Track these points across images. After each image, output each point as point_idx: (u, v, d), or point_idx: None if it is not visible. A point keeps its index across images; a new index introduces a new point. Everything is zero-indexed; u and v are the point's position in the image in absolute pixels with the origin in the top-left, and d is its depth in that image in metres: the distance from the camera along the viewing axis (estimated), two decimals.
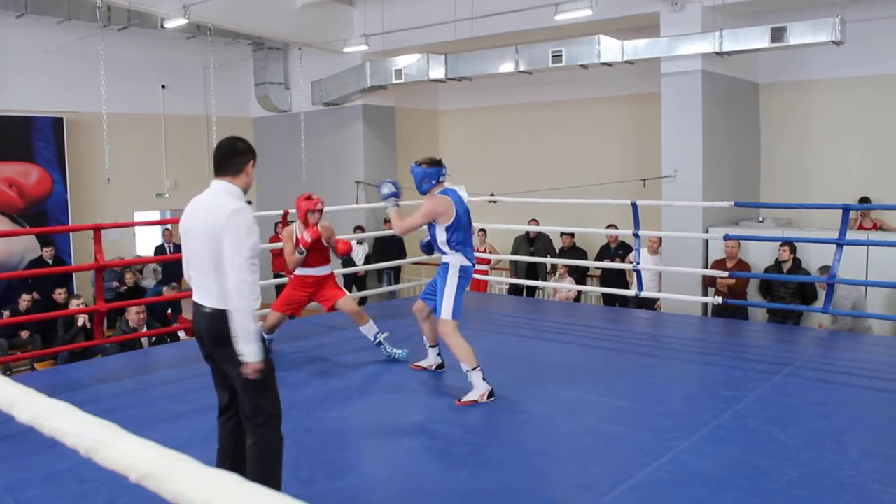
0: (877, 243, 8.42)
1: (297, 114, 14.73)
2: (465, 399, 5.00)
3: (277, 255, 12.87)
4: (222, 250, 3.14)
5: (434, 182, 5.29)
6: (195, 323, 3.38)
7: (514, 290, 11.74)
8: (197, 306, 3.35)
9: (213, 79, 13.89)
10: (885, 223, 10.40)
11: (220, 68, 14.38)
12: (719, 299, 7.77)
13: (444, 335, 5.16)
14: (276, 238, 12.66)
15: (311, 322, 8.00)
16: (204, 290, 3.30)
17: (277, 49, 15.11)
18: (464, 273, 5.25)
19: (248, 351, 3.14)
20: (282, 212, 8.01)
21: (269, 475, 3.22)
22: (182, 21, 11.19)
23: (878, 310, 8.77)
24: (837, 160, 11.03)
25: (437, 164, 5.31)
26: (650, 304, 9.59)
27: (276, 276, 12.07)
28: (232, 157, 3.35)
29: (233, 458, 3.40)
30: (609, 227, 10.31)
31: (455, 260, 5.25)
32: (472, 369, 5.06)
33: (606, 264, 10.04)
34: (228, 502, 1.21)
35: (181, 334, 8.55)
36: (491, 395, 5.03)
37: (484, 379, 5.05)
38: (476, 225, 9.29)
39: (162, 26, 12.15)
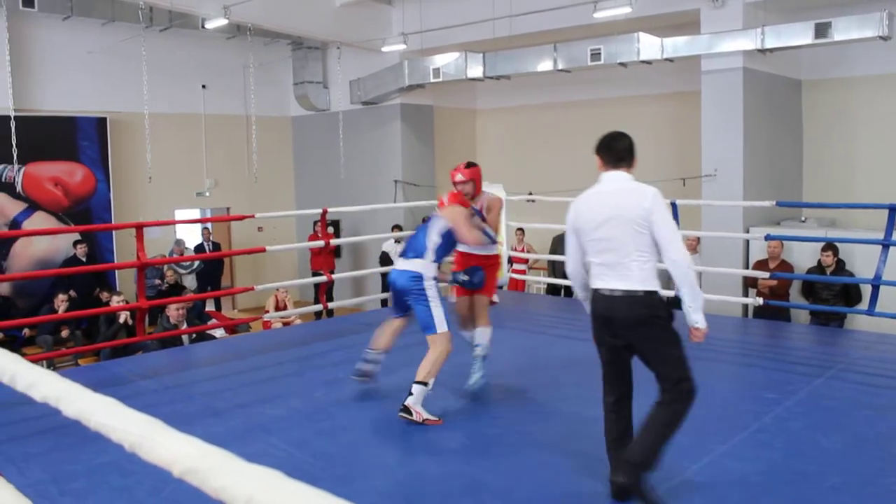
0: None
1: (335, 113, 14.82)
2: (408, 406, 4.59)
3: (317, 253, 12.98)
4: (654, 231, 3.41)
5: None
6: (602, 308, 3.51)
7: (552, 290, 11.69)
8: (605, 293, 3.49)
9: (252, 78, 14.05)
10: None
11: (260, 68, 14.53)
12: (760, 300, 7.66)
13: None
14: (314, 237, 12.76)
15: (349, 320, 8.04)
16: (618, 276, 3.45)
17: (316, 48, 15.20)
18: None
19: (699, 318, 3.50)
20: (320, 210, 8.03)
21: (669, 429, 3.42)
22: (222, 21, 11.33)
23: None
24: (884, 159, 10.80)
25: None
26: None
27: (314, 274, 12.15)
28: (630, 151, 3.66)
29: (622, 441, 3.55)
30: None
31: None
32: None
33: None
34: (268, 498, 1.22)
35: (219, 332, 8.66)
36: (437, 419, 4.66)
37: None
38: (513, 224, 9.30)
39: (203, 27, 12.30)
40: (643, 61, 10.77)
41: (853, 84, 11.00)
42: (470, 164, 5.55)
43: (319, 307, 8.33)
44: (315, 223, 13.16)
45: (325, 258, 12.16)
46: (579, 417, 4.65)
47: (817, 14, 9.71)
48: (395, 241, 13.16)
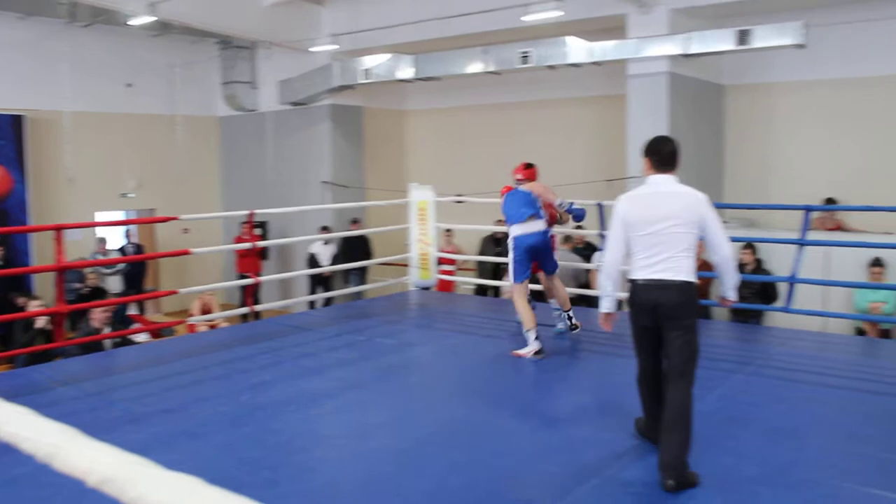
0: (836, 243, 8.56)
1: (264, 113, 14.67)
2: (517, 352, 6.10)
3: (243, 255, 12.79)
4: (707, 230, 3.90)
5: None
6: (650, 297, 3.85)
7: (481, 290, 11.76)
8: (656, 283, 3.83)
9: (179, 77, 13.79)
10: (848, 224, 10.56)
11: (187, 67, 14.28)
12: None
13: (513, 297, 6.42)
14: (241, 239, 12.58)
15: (275, 322, 7.95)
16: (673, 268, 3.82)
17: (245, 48, 15.01)
18: (515, 242, 6.31)
19: (733, 294, 4.18)
20: (247, 212, 7.88)
21: (690, 422, 3.79)
22: (148, 19, 11.08)
23: (839, 310, 8.89)
24: (800, 162, 11.20)
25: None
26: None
27: (240, 277, 11.94)
28: (676, 156, 3.99)
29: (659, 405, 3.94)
30: (576, 227, 10.36)
31: (510, 234, 6.40)
32: (529, 330, 6.06)
33: (570, 264, 10.06)
34: None
35: (142, 337, 8.46)
36: (539, 352, 6.02)
37: (537, 338, 6.05)
38: (442, 225, 9.34)
39: (127, 24, 12.00)
40: (571, 64, 10.93)
41: (772, 89, 11.37)
42: (528, 165, 6.68)
43: (246, 310, 8.21)
44: (242, 224, 12.99)
45: (252, 260, 12.01)
46: (507, 417, 4.70)
47: (739, 21, 10.04)
48: (324, 243, 13.07)
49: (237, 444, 4.27)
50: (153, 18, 11.06)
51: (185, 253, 7.69)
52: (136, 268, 12.90)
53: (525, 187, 6.48)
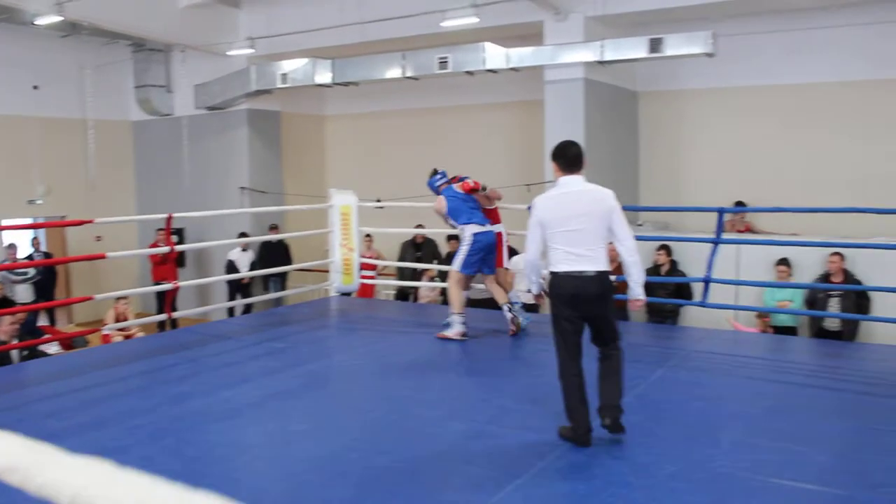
0: (748, 242, 8.88)
1: (179, 118, 14.36)
2: (442, 333, 6.74)
3: (159, 262, 12.50)
4: (612, 224, 4.25)
5: (433, 188, 7.25)
6: (571, 288, 4.19)
7: (401, 294, 11.77)
8: (578, 275, 4.17)
9: (89, 80, 13.39)
10: (757, 226, 10.96)
11: (98, 69, 13.88)
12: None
13: (449, 281, 6.94)
14: (155, 246, 12.28)
15: (193, 331, 7.79)
16: (591, 260, 4.18)
17: (159, 51, 14.67)
18: (475, 238, 6.78)
19: (641, 292, 4.44)
20: (165, 216, 7.67)
21: (623, 374, 4.29)
22: (55, 18, 10.71)
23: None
24: (711, 165, 11.57)
25: (433, 173, 7.30)
26: (533, 307, 9.77)
27: (156, 285, 11.67)
28: (582, 158, 4.34)
29: (584, 396, 4.25)
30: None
31: (467, 231, 6.82)
32: (457, 314, 6.69)
33: None
34: (97, 492, 1.15)
35: (53, 348, 8.18)
36: (464, 335, 6.67)
37: (463, 323, 6.68)
38: (362, 230, 9.31)
39: (34, 24, 11.57)
40: (489, 70, 11.04)
41: (683, 96, 11.73)
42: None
43: (162, 317, 8.02)
44: (158, 230, 12.68)
45: (169, 267, 11.74)
46: (429, 419, 4.71)
47: (652, 30, 10.32)
48: (242, 249, 12.87)
49: (156, 458, 4.16)
50: (60, 18, 10.69)
51: (101, 257, 7.45)
52: (46, 276, 12.45)
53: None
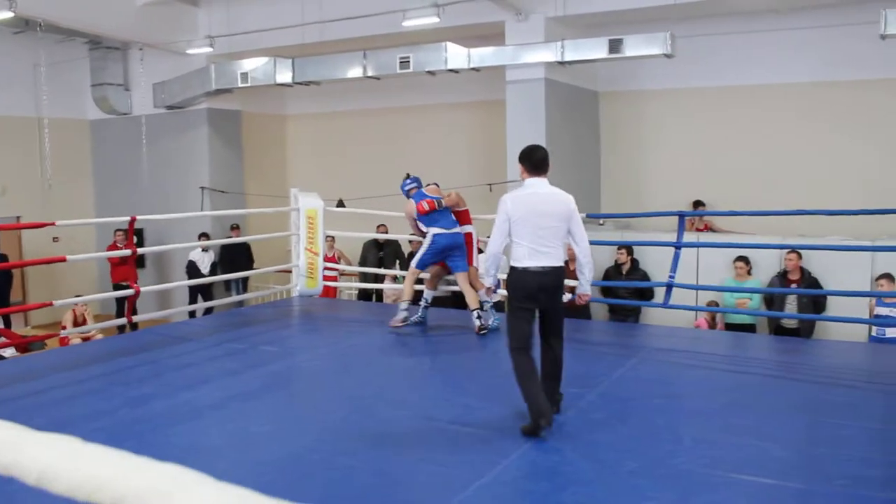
0: (707, 245, 9.00)
1: (137, 117, 14.15)
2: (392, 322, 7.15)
3: (118, 264, 12.33)
4: (571, 226, 4.60)
5: (404, 192, 7.38)
6: (535, 282, 4.50)
7: (363, 295, 11.73)
8: (536, 269, 4.49)
9: (44, 78, 13.12)
10: (716, 225, 11.11)
11: (53, 67, 13.61)
12: (567, 296, 8.02)
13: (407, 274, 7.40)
14: (114, 247, 12.11)
15: (154, 333, 7.70)
16: (550, 256, 4.52)
17: (116, 49, 14.44)
18: (434, 239, 7.06)
19: (589, 288, 4.95)
20: (127, 219, 7.55)
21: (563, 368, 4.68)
22: (7, 14, 10.46)
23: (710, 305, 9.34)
24: (670, 166, 11.71)
25: (406, 177, 7.40)
26: (499, 306, 9.82)
27: (115, 287, 11.49)
28: (547, 161, 4.65)
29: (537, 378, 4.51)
30: None
31: (430, 232, 7.08)
32: (407, 303, 7.16)
33: None
34: (64, 466, 1.12)
35: (9, 352, 8.03)
36: (405, 320, 7.11)
37: (406, 310, 7.12)
38: (328, 232, 9.27)
39: None
40: (451, 70, 11.05)
41: (644, 97, 11.85)
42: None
43: (122, 321, 7.90)
44: (117, 231, 12.50)
45: (130, 269, 11.55)
46: (392, 419, 4.72)
47: (612, 31, 10.41)
48: (203, 251, 12.74)
49: None
50: (12, 14, 10.45)
51: (61, 260, 7.32)
52: (1, 278, 12.20)
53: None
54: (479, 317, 6.97)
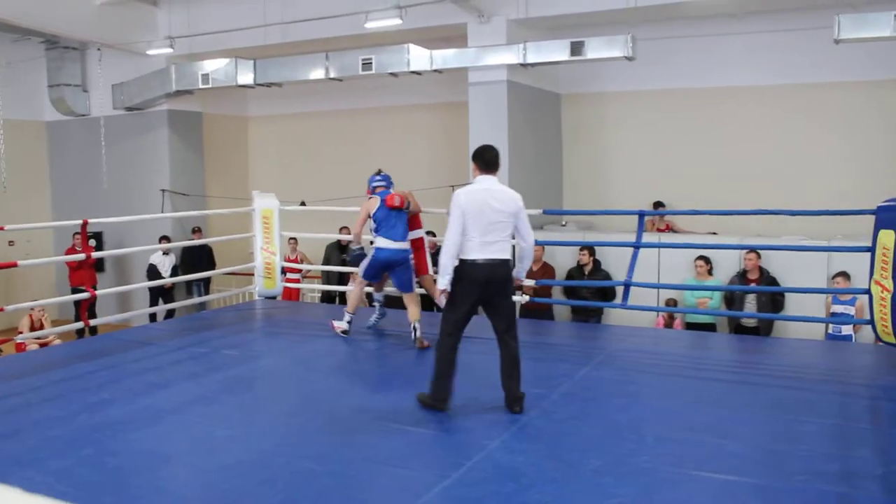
0: (666, 245, 9.11)
1: (96, 118, 13.95)
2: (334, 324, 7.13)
3: (76, 268, 12.14)
4: (518, 221, 4.84)
5: (370, 186, 7.10)
6: (484, 274, 4.71)
7: (326, 297, 11.68)
8: (486, 262, 4.70)
9: None
10: (677, 225, 11.24)
11: (8, 67, 13.37)
12: (526, 297, 8.06)
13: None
14: (73, 251, 11.93)
15: (113, 338, 7.59)
16: (500, 249, 4.74)
17: (74, 49, 14.23)
18: (375, 254, 6.78)
19: (524, 276, 5.24)
20: (80, 222, 7.42)
21: (520, 365, 4.84)
22: None
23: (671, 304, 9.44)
24: (631, 167, 11.83)
25: (377, 172, 7.18)
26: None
27: (74, 290, 11.31)
28: (498, 160, 4.95)
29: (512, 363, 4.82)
30: (428, 233, 10.47)
31: (376, 243, 6.81)
32: (349, 313, 7.06)
33: None
34: None
35: None
36: (345, 332, 6.99)
37: (349, 322, 7.03)
38: (286, 234, 9.20)
39: None
40: (413, 72, 11.05)
41: (605, 99, 11.96)
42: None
43: (79, 325, 7.77)
44: (74, 235, 12.31)
45: (87, 273, 11.39)
46: (356, 423, 4.70)
47: (573, 33, 10.50)
48: (164, 253, 12.59)
49: (74, 470, 4.04)
50: None
51: (13, 265, 7.18)
52: None
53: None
54: (414, 329, 6.68)
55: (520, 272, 5.16)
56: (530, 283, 5.34)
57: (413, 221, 7.09)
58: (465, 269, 4.74)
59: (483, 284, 4.72)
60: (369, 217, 6.89)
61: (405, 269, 6.85)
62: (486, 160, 4.89)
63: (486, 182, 4.86)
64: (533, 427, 4.55)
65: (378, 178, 7.11)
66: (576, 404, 5.02)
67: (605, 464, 3.96)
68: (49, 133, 15.12)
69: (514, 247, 5.11)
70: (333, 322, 7.17)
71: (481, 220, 4.70)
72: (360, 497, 3.71)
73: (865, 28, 8.55)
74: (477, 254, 4.70)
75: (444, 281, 4.80)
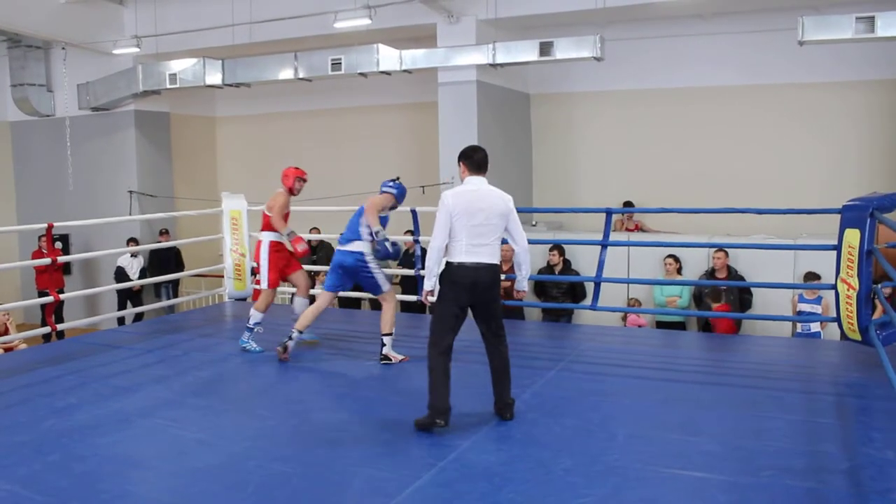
0: (634, 244, 9.18)
1: (61, 119, 13.76)
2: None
3: (42, 271, 11.96)
4: (509, 224, 4.72)
5: (382, 188, 6.55)
6: (470, 277, 4.57)
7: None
8: (472, 265, 4.57)
9: None
10: (646, 225, 11.33)
11: None
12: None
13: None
14: (39, 254, 11.76)
15: (81, 341, 7.49)
16: (488, 253, 4.62)
17: (38, 48, 14.02)
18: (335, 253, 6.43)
19: (526, 285, 5.02)
20: (45, 225, 7.30)
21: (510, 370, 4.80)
22: None
23: (642, 303, 9.51)
24: (601, 166, 11.91)
25: (395, 179, 6.62)
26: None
27: (40, 294, 11.15)
28: (487, 161, 4.81)
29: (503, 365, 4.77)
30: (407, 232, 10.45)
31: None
32: (299, 331, 6.33)
33: (396, 270, 10.14)
34: None
35: None
36: (285, 350, 6.24)
37: (291, 339, 6.27)
38: (254, 235, 9.12)
39: None
40: (383, 72, 11.03)
41: (574, 99, 12.03)
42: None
43: (46, 330, 7.65)
44: (40, 238, 12.13)
45: (53, 276, 11.23)
46: (328, 424, 4.68)
47: (542, 34, 10.54)
48: (132, 256, 12.46)
49: (41, 476, 3.98)
50: None
51: None
52: None
53: (367, 203, 6.33)
54: (384, 344, 6.22)
55: (520, 282, 4.97)
56: (525, 292, 5.06)
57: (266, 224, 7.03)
58: (451, 272, 4.62)
59: (469, 288, 4.59)
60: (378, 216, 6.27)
61: (367, 276, 6.31)
62: (476, 161, 4.77)
63: (474, 183, 4.74)
64: (504, 427, 4.57)
65: (391, 184, 6.53)
66: (547, 404, 5.04)
67: (576, 463, 3.98)
68: (13, 134, 14.88)
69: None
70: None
71: (469, 223, 4.58)
72: (333, 499, 3.70)
73: (828, 30, 8.68)
74: (464, 257, 4.59)
75: (429, 283, 4.73)
